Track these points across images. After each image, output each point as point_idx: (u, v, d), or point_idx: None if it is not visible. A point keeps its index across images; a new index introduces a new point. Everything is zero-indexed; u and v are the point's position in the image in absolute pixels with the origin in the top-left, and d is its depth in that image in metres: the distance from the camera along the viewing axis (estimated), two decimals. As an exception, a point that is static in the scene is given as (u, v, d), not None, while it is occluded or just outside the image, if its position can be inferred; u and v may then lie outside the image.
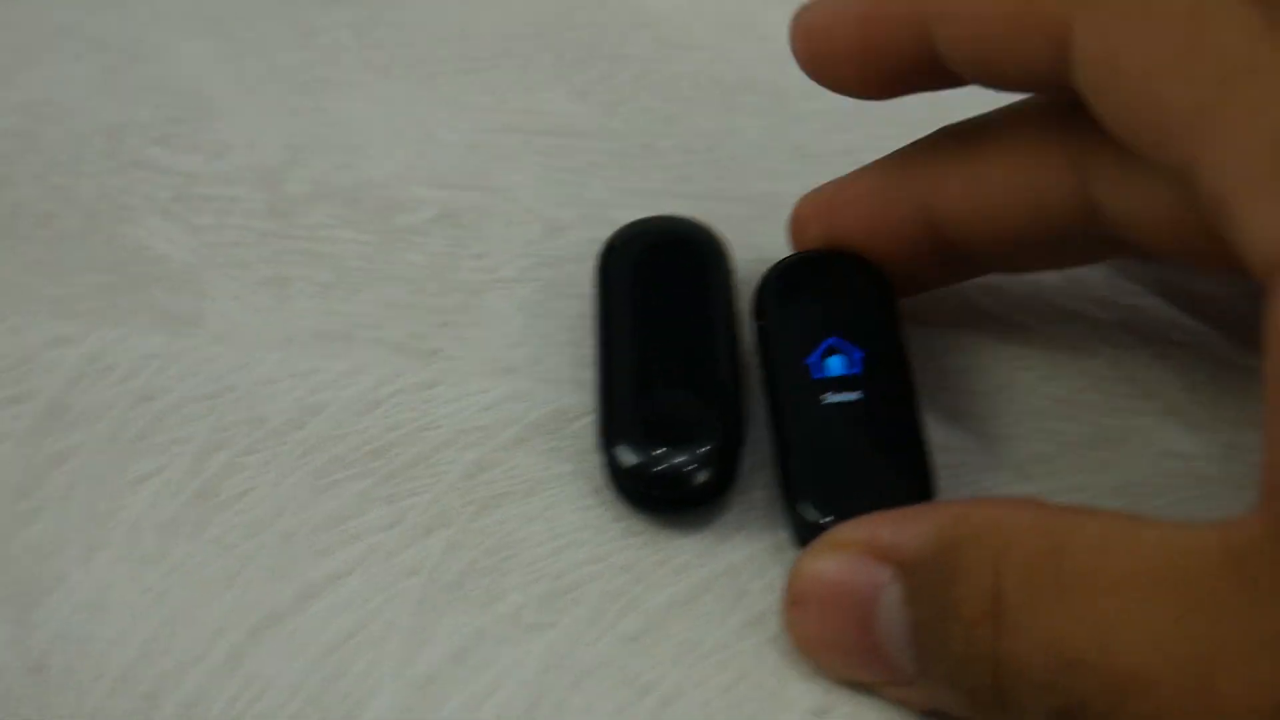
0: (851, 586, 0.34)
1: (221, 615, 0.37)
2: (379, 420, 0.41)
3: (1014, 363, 0.41)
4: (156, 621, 0.37)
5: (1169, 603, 0.29)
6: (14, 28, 0.53)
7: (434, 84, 0.50)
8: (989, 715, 0.32)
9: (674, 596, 0.37)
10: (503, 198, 0.46)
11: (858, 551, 0.34)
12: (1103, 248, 0.39)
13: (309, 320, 0.43)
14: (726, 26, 0.52)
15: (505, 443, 0.40)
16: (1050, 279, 0.43)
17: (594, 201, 0.46)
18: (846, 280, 0.40)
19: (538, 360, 0.42)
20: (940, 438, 0.39)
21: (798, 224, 0.41)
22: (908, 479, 0.36)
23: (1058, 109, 0.37)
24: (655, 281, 0.41)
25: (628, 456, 0.37)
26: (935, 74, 0.36)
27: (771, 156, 0.47)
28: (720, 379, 0.39)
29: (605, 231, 0.42)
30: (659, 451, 0.37)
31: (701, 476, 0.37)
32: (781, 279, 0.40)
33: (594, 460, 0.39)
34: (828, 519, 0.35)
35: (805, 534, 0.36)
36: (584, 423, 0.40)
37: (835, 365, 0.38)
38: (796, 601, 0.35)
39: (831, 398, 0.38)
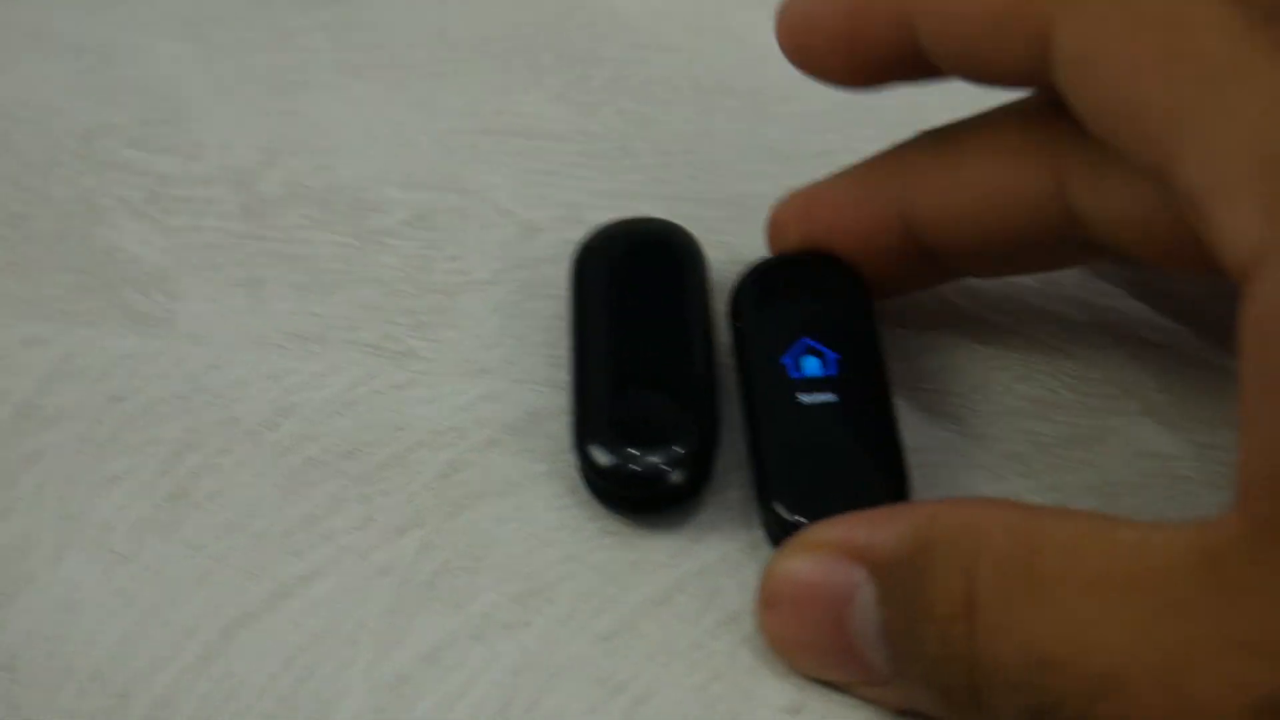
0: (825, 587, 0.34)
1: (193, 615, 0.37)
2: (352, 421, 0.41)
3: (989, 363, 0.41)
4: (128, 621, 0.37)
5: (1142, 603, 0.29)
6: (-12, 29, 0.53)
7: (409, 86, 0.50)
8: (964, 715, 0.32)
9: (648, 596, 0.37)
10: (477, 199, 0.46)
11: (832, 552, 0.34)
12: (1080, 252, 0.39)
13: (283, 321, 0.43)
14: (702, 29, 0.52)
15: (479, 443, 0.40)
16: (1026, 279, 0.43)
17: (569, 203, 0.46)
18: (823, 282, 0.40)
19: (512, 361, 0.42)
20: (915, 438, 0.39)
21: (776, 227, 0.41)
22: (882, 479, 0.36)
23: (1035, 113, 0.37)
24: (630, 283, 0.41)
25: (602, 457, 0.37)
26: (918, 66, 0.36)
27: (747, 158, 0.47)
28: (695, 380, 0.39)
29: (580, 233, 0.42)
30: (633, 452, 0.37)
31: (675, 477, 0.37)
32: (758, 280, 0.40)
33: (568, 461, 0.39)
34: (802, 519, 0.35)
35: (779, 534, 0.36)
36: (558, 423, 0.40)
37: (811, 366, 0.38)
38: (770, 602, 0.35)
39: (807, 399, 0.38)
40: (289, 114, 0.49)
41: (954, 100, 0.38)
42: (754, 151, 0.48)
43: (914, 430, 0.39)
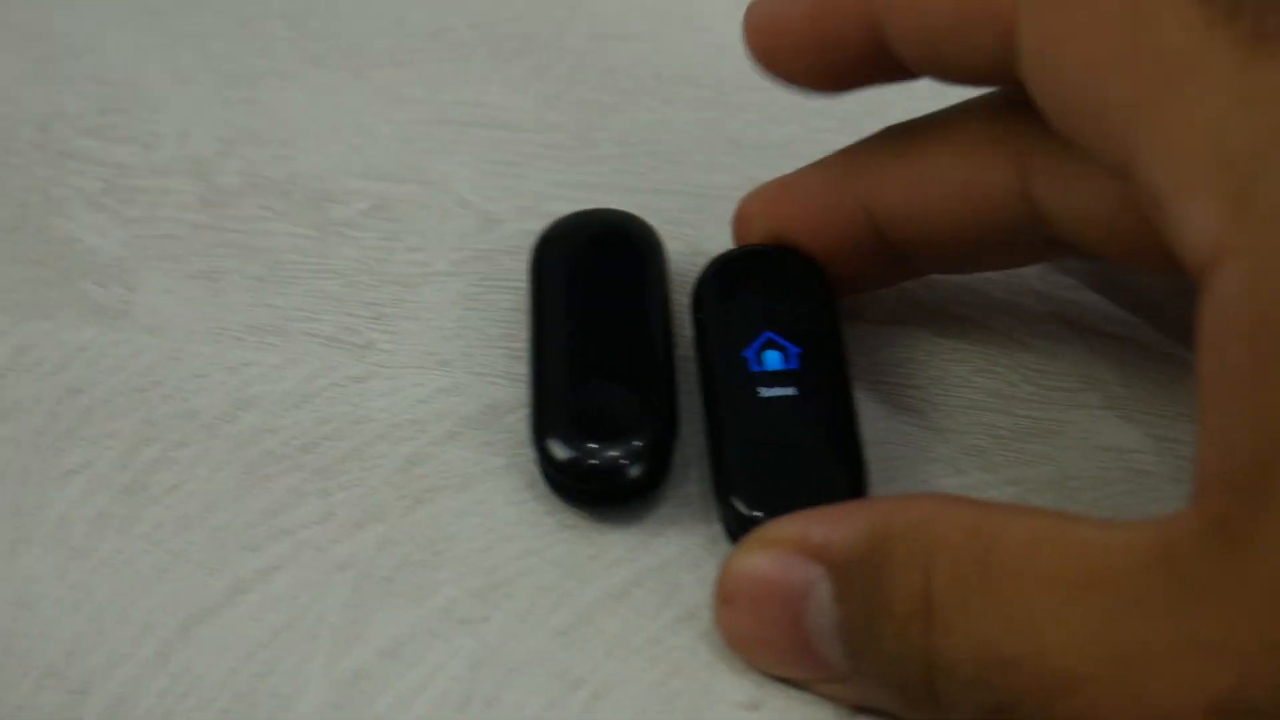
0: (782, 585, 0.33)
1: (151, 610, 0.37)
2: (311, 414, 0.40)
3: (949, 356, 0.41)
4: (85, 617, 0.37)
5: (1100, 602, 0.29)
6: (-56, 16, 0.53)
7: (369, 75, 0.50)
8: (921, 712, 0.32)
9: (606, 591, 0.37)
10: (437, 190, 0.46)
11: (788, 549, 0.34)
12: (1044, 249, 0.39)
13: (241, 313, 0.43)
14: (664, 18, 0.52)
15: (438, 437, 0.40)
16: (987, 272, 0.43)
17: (529, 194, 0.46)
18: (785, 275, 0.40)
19: (471, 354, 0.42)
20: (875, 431, 0.39)
21: (741, 223, 0.41)
22: (841, 475, 0.36)
23: (999, 110, 0.37)
24: (589, 275, 0.41)
25: (560, 450, 0.37)
26: (886, 66, 0.36)
27: (708, 149, 0.47)
28: (654, 373, 0.39)
29: (540, 224, 0.42)
30: (592, 445, 0.37)
31: (634, 471, 0.37)
32: (720, 273, 0.40)
33: (527, 454, 0.39)
34: (760, 514, 0.35)
35: (737, 529, 0.36)
36: (517, 416, 0.40)
37: (772, 360, 0.38)
38: (727, 600, 0.35)
39: (767, 392, 0.37)
40: (247, 103, 0.49)
41: (915, 92, 0.38)
42: (715, 142, 0.47)
43: (874, 423, 0.39)
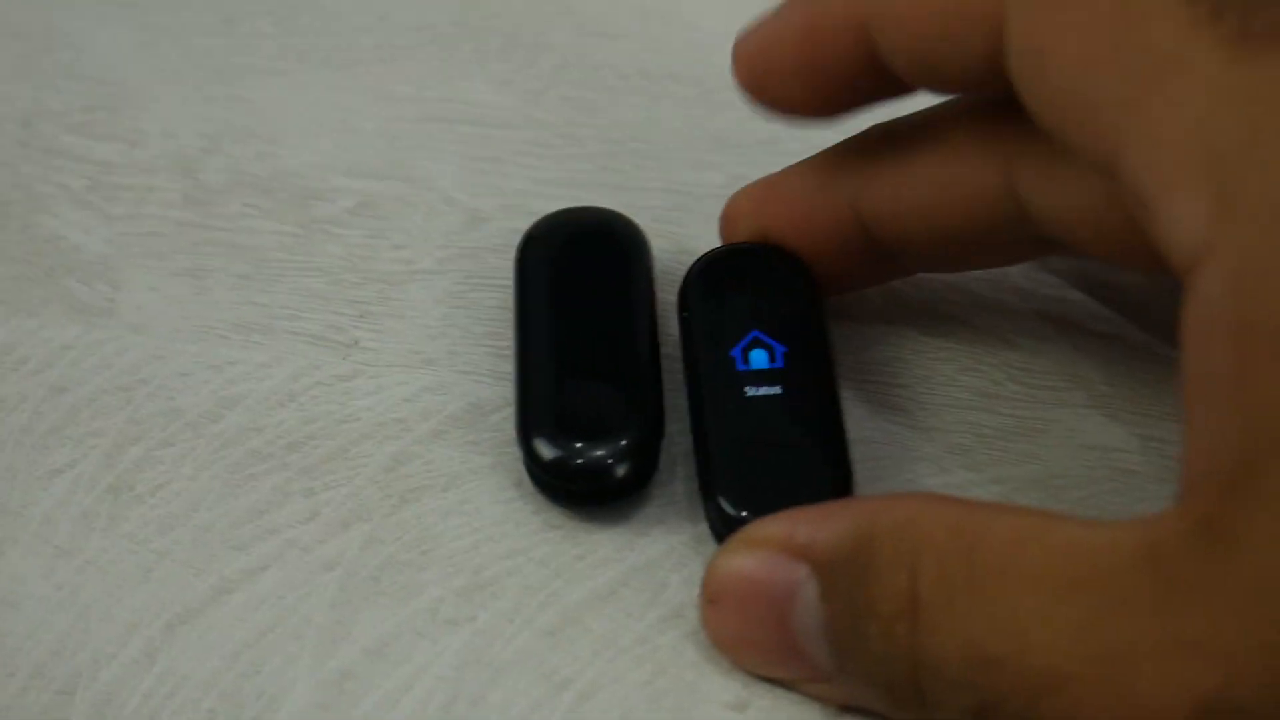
0: (767, 585, 0.33)
1: (136, 611, 0.37)
2: (296, 413, 0.40)
3: (935, 354, 0.41)
4: (70, 617, 0.37)
5: (1085, 602, 0.29)
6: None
7: (354, 72, 0.50)
8: (907, 711, 0.32)
9: (593, 590, 0.37)
10: (422, 188, 0.46)
11: (774, 549, 0.34)
12: (1031, 247, 0.39)
13: (226, 311, 0.43)
14: (648, 15, 0.52)
15: (424, 435, 0.40)
16: (973, 271, 0.43)
17: (515, 191, 0.46)
18: (771, 273, 0.40)
19: (457, 352, 0.42)
20: (861, 430, 0.39)
21: (729, 222, 0.41)
22: (826, 474, 0.36)
23: (986, 108, 0.37)
24: (575, 273, 0.41)
25: (546, 450, 0.37)
26: (879, 82, 0.36)
27: (693, 146, 0.47)
28: (639, 371, 0.39)
29: (526, 222, 0.42)
30: (578, 445, 0.37)
31: (620, 470, 0.37)
32: (706, 272, 0.40)
33: (513, 453, 0.39)
34: (745, 514, 0.35)
35: (723, 528, 0.36)
36: (503, 415, 0.40)
37: (758, 359, 0.38)
38: (713, 600, 0.35)
39: (753, 391, 0.37)
40: (232, 100, 0.49)
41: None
42: (701, 140, 0.47)
43: (860, 422, 0.39)
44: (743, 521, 0.35)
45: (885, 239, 0.39)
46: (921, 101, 0.37)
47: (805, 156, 0.40)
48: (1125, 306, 0.42)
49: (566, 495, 0.38)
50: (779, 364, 0.38)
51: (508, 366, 0.40)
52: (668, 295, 0.41)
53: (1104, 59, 0.31)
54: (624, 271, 0.41)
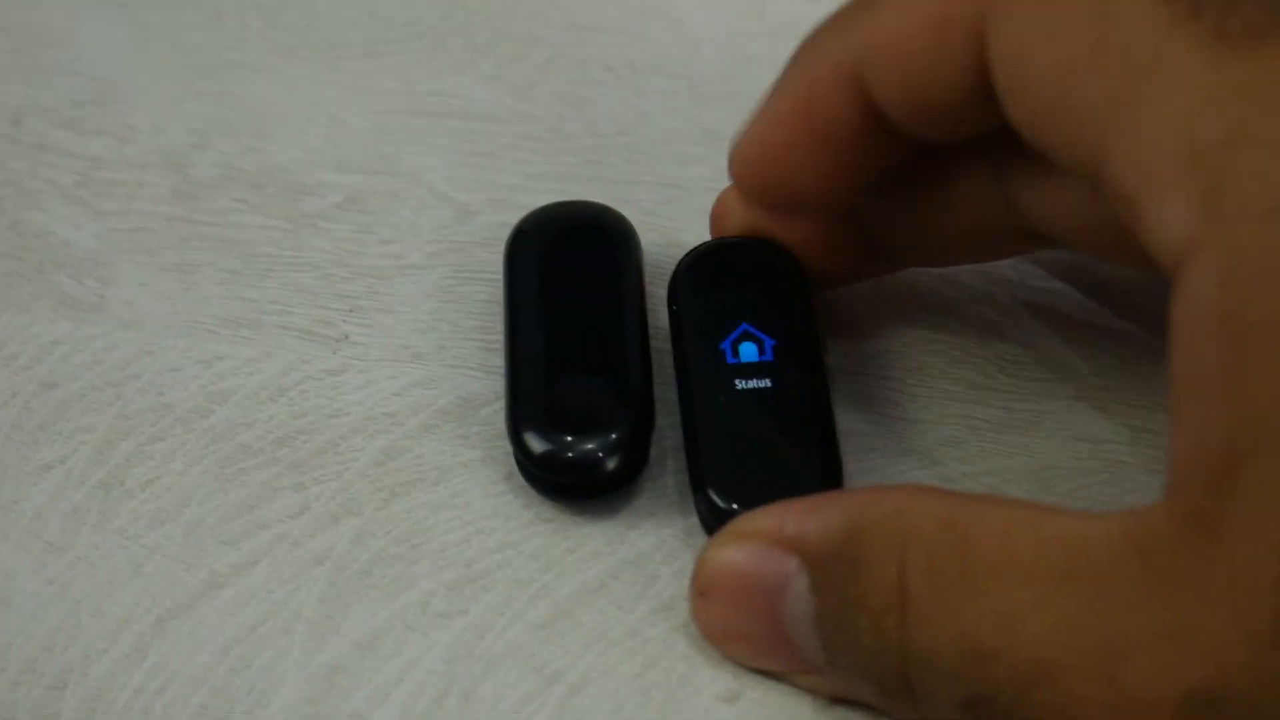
0: (757, 577, 0.34)
1: (127, 606, 0.37)
2: (286, 407, 0.40)
3: (925, 347, 0.41)
4: (61, 612, 0.37)
5: (1073, 593, 0.29)
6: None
7: (342, 67, 0.50)
8: (898, 703, 0.32)
9: (583, 584, 0.37)
10: (411, 182, 0.46)
11: (764, 541, 0.34)
12: (1022, 242, 0.39)
13: (215, 306, 0.43)
14: (638, 9, 0.51)
15: (414, 430, 0.40)
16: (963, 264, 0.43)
17: (504, 185, 0.46)
18: (760, 266, 0.40)
19: (446, 346, 0.42)
20: (851, 423, 0.39)
21: (718, 216, 0.41)
22: (816, 467, 0.36)
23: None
24: (564, 267, 0.41)
25: (537, 443, 0.37)
26: (880, 137, 0.36)
27: (682, 140, 0.47)
28: (629, 365, 0.39)
29: (515, 216, 0.42)
30: (568, 438, 0.37)
31: (610, 463, 0.37)
32: (696, 265, 0.40)
33: (503, 447, 0.39)
34: (735, 506, 0.35)
35: (713, 521, 0.36)
36: (493, 409, 0.40)
37: (748, 352, 0.38)
38: (703, 592, 0.35)
39: (743, 384, 0.38)
40: (221, 95, 0.49)
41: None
42: (690, 134, 0.47)
43: (850, 415, 0.39)
44: (733, 514, 0.35)
45: (877, 233, 0.39)
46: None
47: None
48: (1116, 299, 0.42)
49: (557, 489, 0.38)
50: (768, 357, 0.38)
51: (498, 360, 0.40)
52: (657, 289, 0.41)
53: (1084, 62, 0.31)
54: (613, 265, 0.41)
